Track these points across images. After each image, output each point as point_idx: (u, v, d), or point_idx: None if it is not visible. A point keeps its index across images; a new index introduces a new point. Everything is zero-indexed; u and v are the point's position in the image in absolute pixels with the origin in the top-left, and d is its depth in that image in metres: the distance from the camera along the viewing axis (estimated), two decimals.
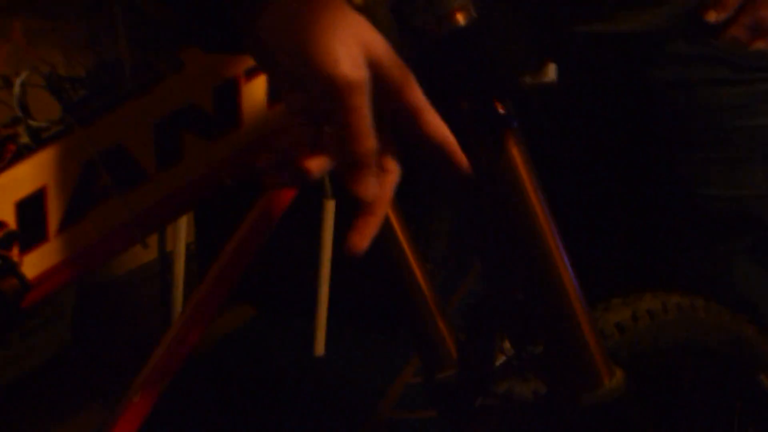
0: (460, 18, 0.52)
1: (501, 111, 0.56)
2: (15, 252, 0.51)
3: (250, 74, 0.57)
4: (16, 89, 0.52)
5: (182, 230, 2.08)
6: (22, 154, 0.51)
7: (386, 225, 0.73)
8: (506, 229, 0.61)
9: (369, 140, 0.45)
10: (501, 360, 0.76)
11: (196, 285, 2.33)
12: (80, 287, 1.93)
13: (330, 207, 1.92)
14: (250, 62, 0.57)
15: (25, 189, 0.51)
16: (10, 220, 0.51)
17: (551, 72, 0.54)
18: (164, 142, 0.55)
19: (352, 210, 0.71)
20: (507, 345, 0.77)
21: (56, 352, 1.84)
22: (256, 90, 0.57)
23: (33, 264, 0.52)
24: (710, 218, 0.92)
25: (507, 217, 0.61)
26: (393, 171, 0.50)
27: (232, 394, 1.82)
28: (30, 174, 0.51)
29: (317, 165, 0.46)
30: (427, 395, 0.75)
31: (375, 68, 0.45)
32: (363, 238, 0.49)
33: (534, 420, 0.67)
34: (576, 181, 0.97)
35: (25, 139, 0.52)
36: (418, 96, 0.49)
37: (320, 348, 1.98)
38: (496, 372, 0.73)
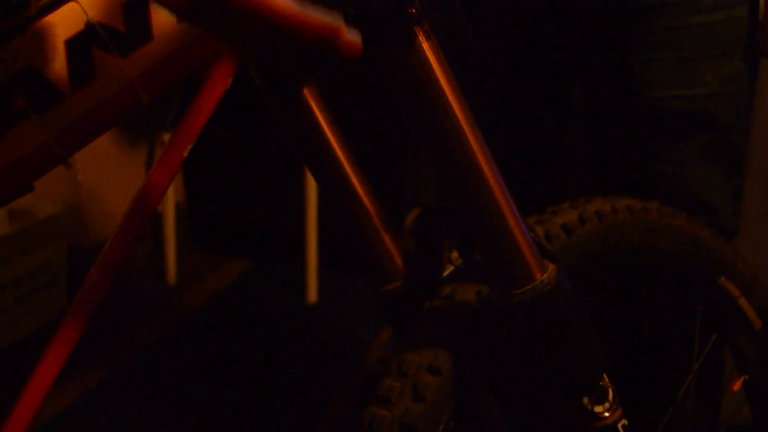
0: None
1: (409, 8, 0.56)
2: None
3: None
4: None
5: (170, 190, 2.10)
6: None
7: (325, 144, 0.73)
8: (426, 131, 0.62)
9: None
10: (449, 271, 0.77)
11: (188, 244, 2.36)
12: (72, 251, 1.96)
13: (313, 185, 1.93)
14: None
15: None
16: None
17: None
18: (77, 60, 0.56)
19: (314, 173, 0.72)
20: (455, 256, 0.79)
21: (52, 316, 1.88)
22: None
23: None
24: (662, 120, 0.92)
25: (423, 119, 0.61)
26: None
27: (229, 343, 1.85)
28: None
29: None
30: (377, 308, 0.76)
31: None
32: None
33: (476, 319, 0.68)
34: (524, 86, 0.97)
35: None
36: None
37: (312, 295, 2.00)
38: (444, 280, 0.74)
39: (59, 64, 0.56)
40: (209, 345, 1.86)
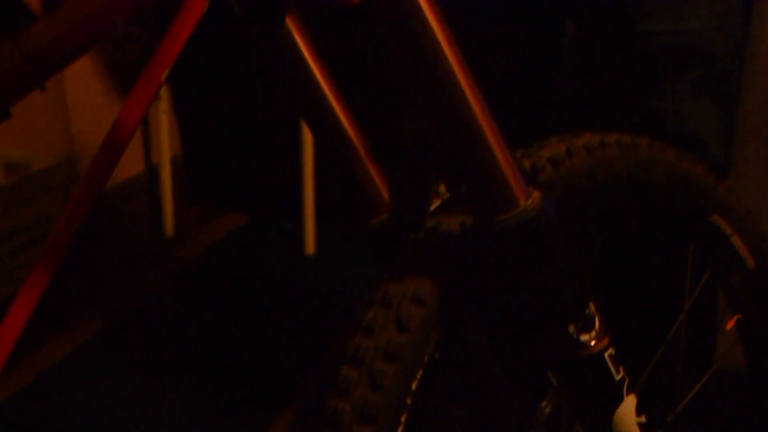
0: None
1: None
2: None
3: None
4: None
5: (165, 142, 2.10)
6: None
7: (309, 76, 0.72)
8: (410, 59, 0.61)
9: None
10: (437, 204, 0.77)
11: (186, 198, 2.37)
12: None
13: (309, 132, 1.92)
14: None
15: None
16: None
17: None
18: None
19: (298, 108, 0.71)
20: (442, 189, 0.78)
21: None
22: None
23: None
24: (654, 54, 0.91)
25: (408, 48, 0.60)
26: None
27: (227, 294, 1.86)
28: None
29: None
30: (363, 242, 0.76)
31: None
32: None
33: (461, 248, 0.68)
34: (516, 21, 0.96)
35: None
36: None
37: (311, 247, 2.00)
38: (430, 214, 0.74)
39: None
40: (206, 297, 1.86)
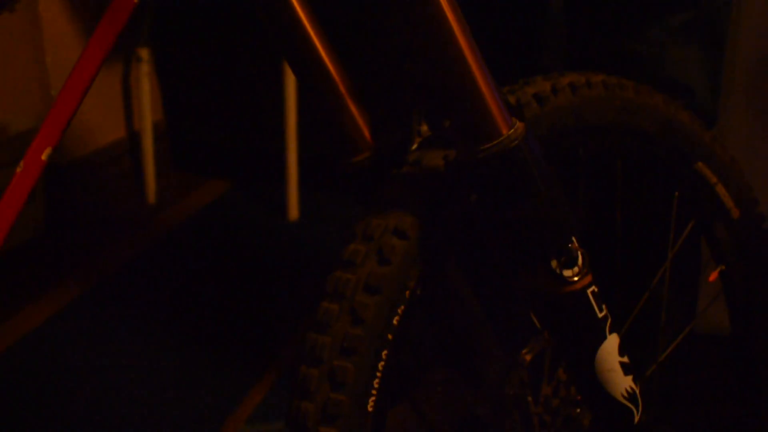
0: None
1: None
2: None
3: None
4: None
5: (147, 107, 2.07)
6: None
7: (291, 13, 0.70)
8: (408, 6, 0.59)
9: None
10: (418, 142, 0.76)
11: (168, 164, 2.33)
12: (48, 167, 1.93)
13: (292, 97, 1.90)
14: None
15: None
16: None
17: None
18: None
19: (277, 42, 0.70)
20: (424, 128, 0.77)
21: (30, 233, 1.86)
22: None
23: None
24: None
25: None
26: None
27: (209, 260, 1.85)
28: None
29: None
30: (341, 179, 0.74)
31: None
32: None
33: (443, 181, 0.66)
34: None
35: None
36: None
37: (294, 213, 1.99)
38: (411, 151, 0.72)
39: None
40: (189, 263, 1.85)
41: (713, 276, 0.95)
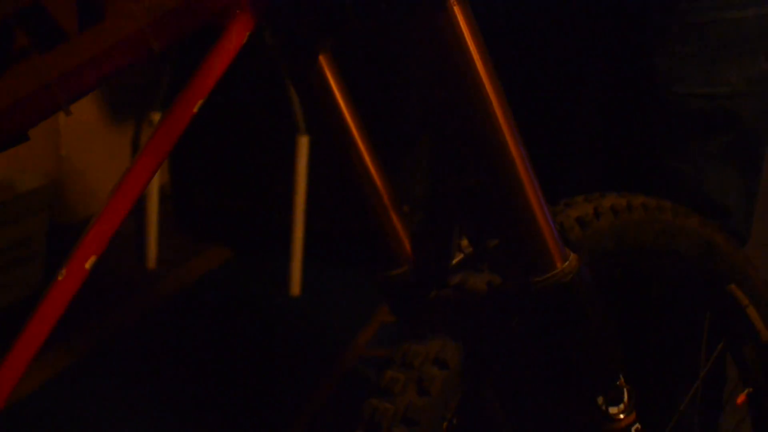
0: None
1: None
2: None
3: None
4: None
5: None
6: None
7: (337, 115, 0.69)
8: (450, 102, 0.58)
9: None
10: (458, 258, 0.74)
11: (171, 228, 2.30)
12: (52, 227, 1.90)
13: (304, 143, 1.89)
14: None
15: None
16: None
17: None
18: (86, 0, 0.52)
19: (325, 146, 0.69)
20: (465, 243, 0.75)
21: (28, 292, 1.82)
22: None
23: None
24: (683, 116, 0.89)
25: (454, 98, 0.58)
26: None
27: (206, 333, 1.81)
28: None
29: None
30: (380, 292, 0.72)
31: None
32: None
33: (488, 310, 0.64)
34: (540, 72, 0.94)
35: None
36: None
37: (296, 288, 1.96)
38: (452, 268, 0.70)
39: (67, 2, 0.51)
40: (186, 334, 1.81)
41: (741, 399, 0.93)
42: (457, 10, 0.55)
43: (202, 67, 0.55)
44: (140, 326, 1.82)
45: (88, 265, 0.55)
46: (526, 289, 0.60)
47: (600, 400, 0.63)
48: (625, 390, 0.64)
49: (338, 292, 1.95)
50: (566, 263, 0.60)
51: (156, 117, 2.01)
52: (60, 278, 0.55)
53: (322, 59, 0.66)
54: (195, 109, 0.55)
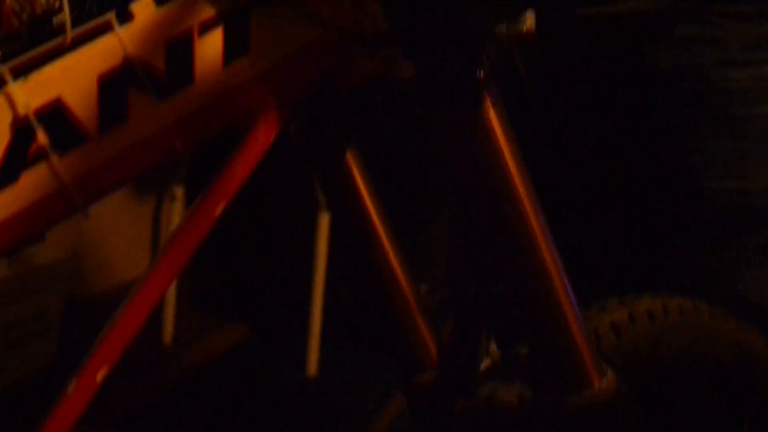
0: None
1: (475, 69, 0.51)
2: None
3: (206, 29, 0.52)
4: None
5: None
6: None
7: (363, 213, 0.67)
8: (485, 212, 0.56)
9: None
10: (486, 364, 0.70)
11: (188, 303, 2.27)
12: (68, 301, 1.88)
13: (324, 221, 1.87)
14: (205, 15, 0.52)
15: None
16: None
17: (530, 20, 0.48)
18: (109, 99, 0.50)
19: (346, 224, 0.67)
20: (493, 348, 0.72)
21: (42, 365, 1.79)
22: (212, 46, 0.52)
23: None
24: (717, 213, 0.86)
25: (485, 199, 0.55)
26: None
27: (225, 414, 1.76)
28: None
29: None
30: (404, 399, 0.69)
31: None
32: None
33: (519, 425, 0.61)
34: (570, 170, 0.92)
35: None
36: None
37: (313, 368, 1.91)
38: (480, 376, 0.67)
39: (89, 101, 0.50)
40: (201, 413, 1.76)
41: None
42: (490, 108, 0.53)
43: (227, 168, 0.53)
44: (155, 403, 1.78)
45: (99, 378, 0.52)
46: (560, 408, 0.57)
47: None
48: None
49: (356, 374, 1.90)
50: (603, 380, 0.57)
51: (178, 190, 2.01)
52: (69, 392, 0.52)
53: (349, 156, 0.65)
54: (218, 213, 0.53)
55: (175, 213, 2.01)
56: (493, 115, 0.53)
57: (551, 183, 0.90)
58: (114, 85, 0.50)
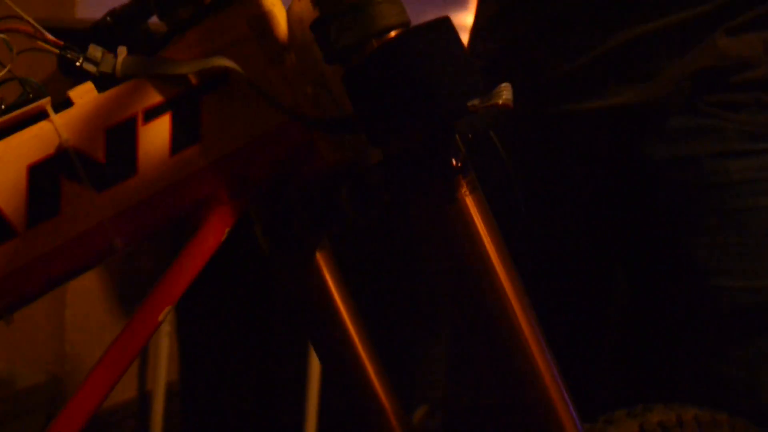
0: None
1: (448, 153, 0.46)
2: None
3: (151, 115, 0.48)
4: None
5: (162, 367, 1.95)
6: None
7: (335, 320, 0.61)
8: (462, 303, 0.50)
9: None
10: None
11: (177, 426, 2.16)
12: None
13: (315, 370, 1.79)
14: (151, 101, 0.48)
15: None
16: None
17: (506, 92, 0.43)
18: (39, 191, 0.45)
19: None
20: None
21: None
22: (158, 134, 0.47)
23: None
24: (727, 314, 0.80)
25: (466, 293, 0.49)
26: None
27: None
28: None
29: None
30: None
31: None
32: None
33: None
34: (569, 270, 0.86)
35: None
36: None
37: None
38: None
39: (17, 192, 0.45)
40: None
41: None
42: (467, 195, 0.48)
43: (173, 267, 0.48)
44: None
45: None
46: None
47: None
48: None
49: None
50: None
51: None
52: None
53: (319, 256, 0.59)
54: (161, 318, 0.47)
55: (164, 333, 1.93)
56: (470, 202, 0.48)
57: (548, 283, 0.84)
58: (46, 176, 0.45)
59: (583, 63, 0.79)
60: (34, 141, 0.46)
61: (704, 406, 0.71)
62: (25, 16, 0.47)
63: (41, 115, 0.46)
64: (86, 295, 1.81)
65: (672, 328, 0.83)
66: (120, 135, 0.47)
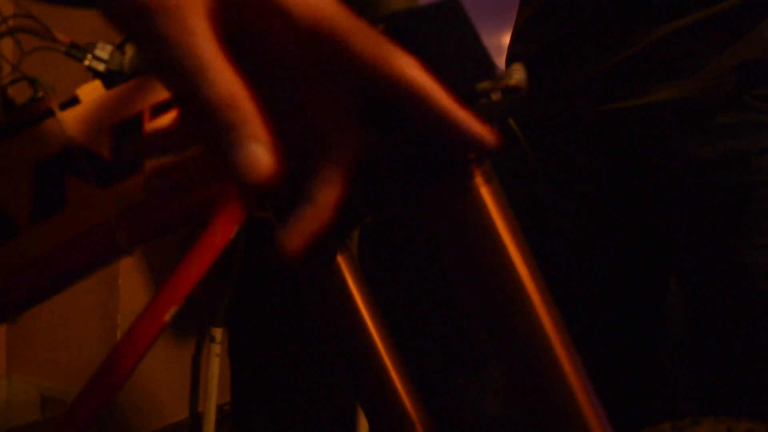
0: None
1: None
2: None
3: (159, 111, 0.47)
4: None
5: (213, 389, 1.95)
6: None
7: (358, 326, 0.59)
8: (480, 303, 0.47)
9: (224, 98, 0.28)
10: None
11: None
12: None
13: None
14: (157, 97, 0.47)
15: None
16: None
17: (518, 73, 0.41)
18: (43, 187, 0.44)
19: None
20: None
21: None
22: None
23: None
24: None
25: (484, 288, 0.46)
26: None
27: None
28: None
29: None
30: None
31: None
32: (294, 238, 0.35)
33: None
34: (611, 281, 0.82)
35: None
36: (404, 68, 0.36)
37: None
38: None
39: (23, 189, 0.44)
40: None
41: None
42: (481, 185, 0.45)
43: (180, 268, 0.46)
44: None
45: None
46: None
47: None
48: None
49: None
50: None
51: (217, 332, 1.95)
52: None
53: (340, 259, 0.57)
54: (167, 318, 0.46)
55: (214, 354, 1.94)
56: (485, 192, 0.45)
57: (600, 294, 0.81)
58: (51, 173, 0.45)
59: (621, 61, 0.76)
60: (40, 138, 0.45)
61: (759, 419, 0.66)
62: (34, 16, 0.46)
63: (48, 113, 0.46)
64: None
65: (723, 339, 0.78)
66: (126, 131, 0.46)
